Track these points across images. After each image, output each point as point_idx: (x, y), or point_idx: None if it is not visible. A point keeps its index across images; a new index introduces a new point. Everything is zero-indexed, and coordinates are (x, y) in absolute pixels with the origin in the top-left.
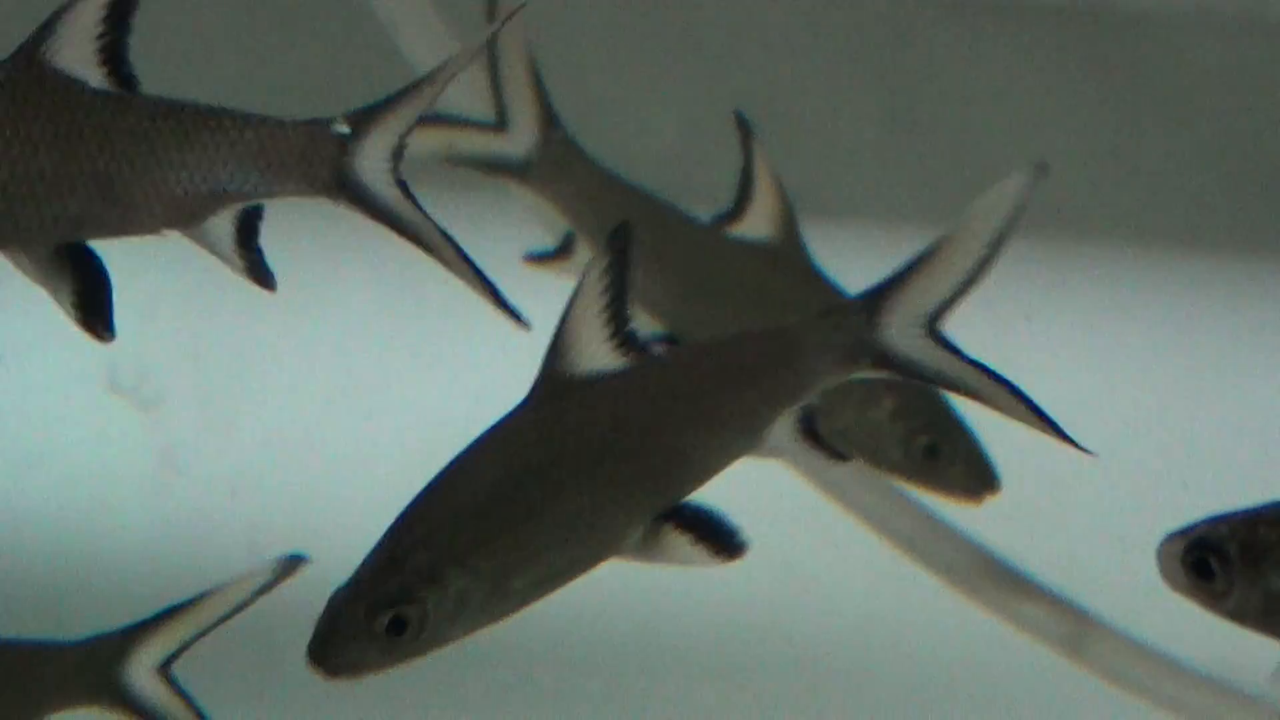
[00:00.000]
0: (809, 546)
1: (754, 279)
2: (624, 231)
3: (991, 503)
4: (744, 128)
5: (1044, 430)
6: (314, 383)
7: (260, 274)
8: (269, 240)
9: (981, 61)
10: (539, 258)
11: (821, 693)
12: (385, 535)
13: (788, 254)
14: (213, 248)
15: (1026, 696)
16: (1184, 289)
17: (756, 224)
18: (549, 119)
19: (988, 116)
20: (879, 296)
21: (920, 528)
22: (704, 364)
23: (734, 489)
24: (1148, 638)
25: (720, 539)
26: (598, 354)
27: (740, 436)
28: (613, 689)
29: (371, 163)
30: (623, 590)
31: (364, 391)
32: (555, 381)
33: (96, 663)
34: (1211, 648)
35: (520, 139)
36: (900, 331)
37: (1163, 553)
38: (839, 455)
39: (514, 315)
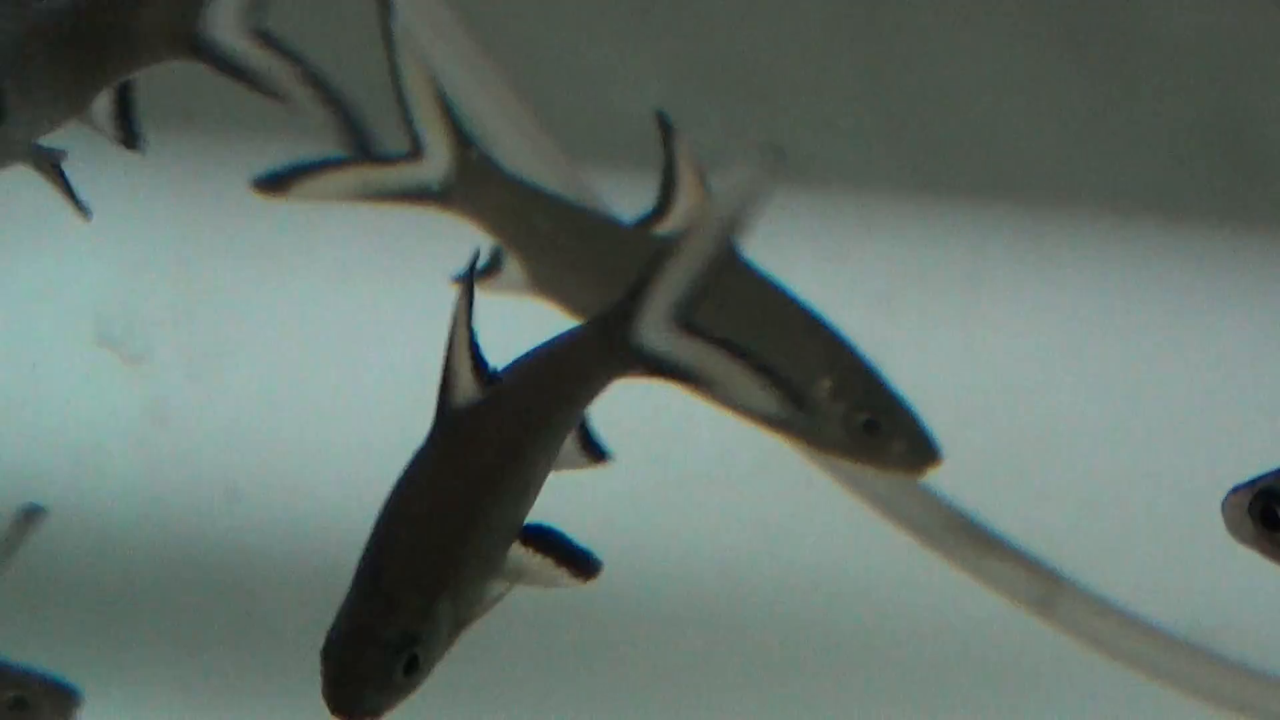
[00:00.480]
0: (784, 506)
1: None
2: (469, 269)
3: (934, 472)
4: (665, 127)
5: (784, 408)
6: (299, 337)
7: (134, 140)
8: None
9: (961, 27)
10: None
11: (794, 650)
12: (363, 575)
13: None
14: (95, 125)
15: (997, 655)
16: (1159, 255)
17: (681, 222)
18: (461, 140)
19: (966, 82)
20: (630, 302)
21: (893, 487)
22: (537, 388)
23: (715, 448)
24: (1118, 598)
25: (577, 560)
26: (470, 386)
27: (557, 452)
28: (590, 644)
29: (224, 23)
30: (601, 548)
31: (348, 345)
32: (449, 414)
33: None
34: (1181, 609)
35: (435, 164)
36: (656, 330)
37: (1229, 504)
38: (602, 456)
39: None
